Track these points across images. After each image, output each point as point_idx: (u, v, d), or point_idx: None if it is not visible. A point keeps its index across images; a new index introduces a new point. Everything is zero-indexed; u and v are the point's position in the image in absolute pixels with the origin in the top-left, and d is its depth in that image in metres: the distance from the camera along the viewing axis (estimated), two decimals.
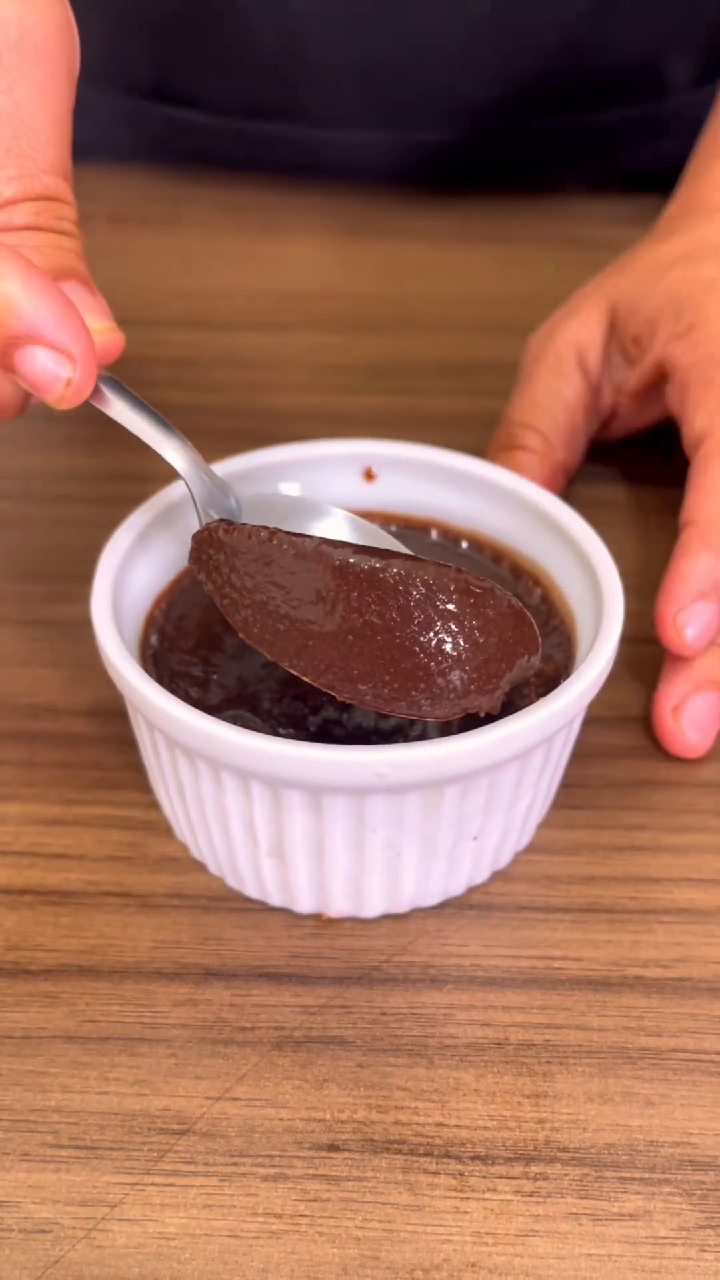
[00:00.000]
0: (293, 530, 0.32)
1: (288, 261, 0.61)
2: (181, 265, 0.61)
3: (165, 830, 0.37)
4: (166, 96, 0.63)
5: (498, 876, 0.36)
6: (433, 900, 0.35)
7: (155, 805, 0.37)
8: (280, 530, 0.32)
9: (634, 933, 0.35)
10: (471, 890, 0.35)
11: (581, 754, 0.38)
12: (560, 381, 0.45)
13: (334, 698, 0.34)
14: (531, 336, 0.47)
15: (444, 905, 0.35)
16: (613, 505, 0.48)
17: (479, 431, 0.51)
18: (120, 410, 0.33)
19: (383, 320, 0.57)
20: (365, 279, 0.60)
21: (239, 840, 0.33)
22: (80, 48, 0.66)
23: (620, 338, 0.45)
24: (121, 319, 0.57)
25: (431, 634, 0.30)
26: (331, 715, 0.34)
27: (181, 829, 0.36)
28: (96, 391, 0.32)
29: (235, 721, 0.33)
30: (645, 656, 0.42)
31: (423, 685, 0.30)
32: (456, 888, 0.35)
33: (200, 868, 0.36)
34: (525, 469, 0.44)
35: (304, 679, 0.32)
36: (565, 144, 0.63)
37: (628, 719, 0.40)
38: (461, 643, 0.30)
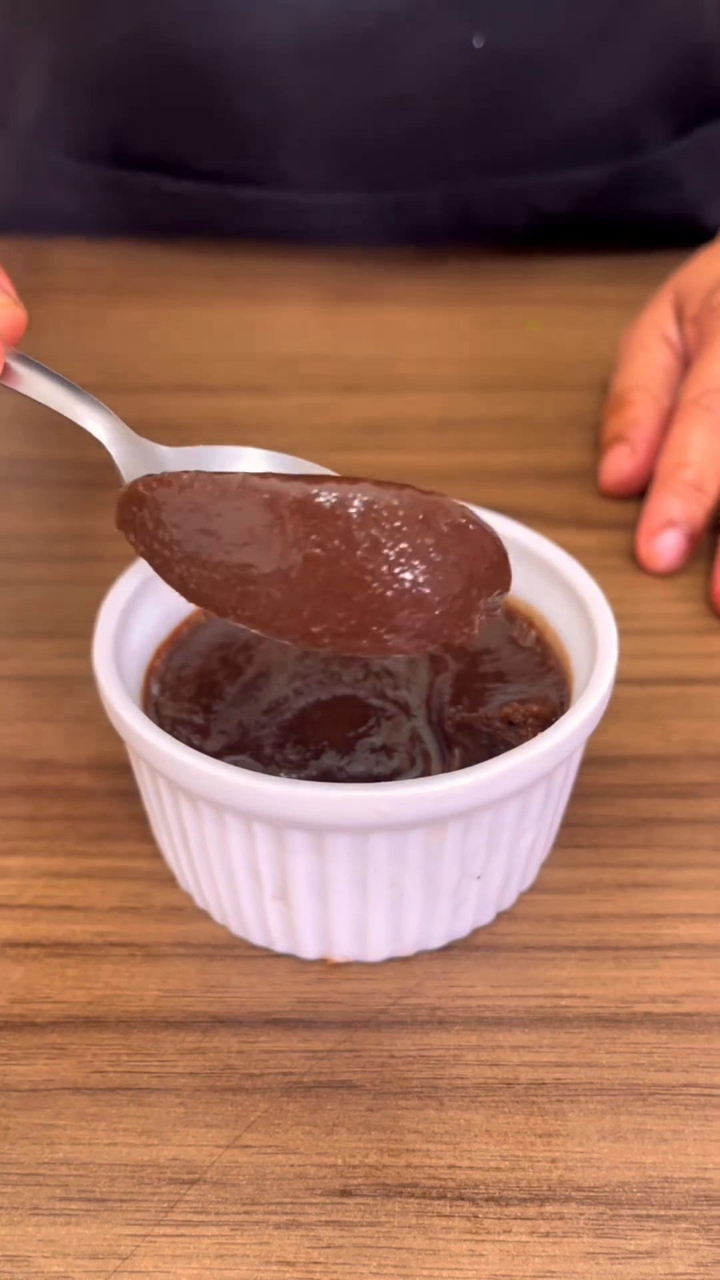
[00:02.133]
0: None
1: (277, 326, 0.62)
2: (173, 332, 0.62)
3: (169, 880, 0.37)
4: (154, 166, 0.65)
5: (502, 917, 0.36)
6: (438, 942, 0.35)
7: (159, 856, 0.37)
8: (202, 472, 0.29)
9: (640, 969, 0.35)
10: (477, 931, 0.35)
11: (582, 794, 0.39)
12: (650, 352, 0.53)
13: (334, 744, 0.35)
14: (622, 333, 0.56)
15: (449, 947, 0.35)
16: (606, 551, 0.49)
17: (469, 485, 0.52)
18: (34, 385, 0.31)
19: (371, 381, 0.58)
20: (352, 341, 0.61)
21: (243, 884, 0.33)
22: (68, 120, 0.68)
23: (684, 320, 0.53)
24: (113, 385, 0.59)
25: (380, 558, 0.28)
26: (332, 760, 0.35)
27: (185, 877, 0.36)
28: (6, 370, 0.31)
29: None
30: (641, 697, 0.43)
31: (381, 617, 0.28)
32: (461, 929, 0.35)
33: (204, 916, 0.36)
34: (641, 419, 0.51)
35: (253, 630, 0.29)
36: (542, 202, 0.65)
37: (626, 759, 0.41)
38: (417, 564, 0.28)
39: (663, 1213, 0.30)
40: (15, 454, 0.56)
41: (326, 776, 0.34)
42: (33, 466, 0.54)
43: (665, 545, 0.47)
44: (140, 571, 0.37)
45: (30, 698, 0.43)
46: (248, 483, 0.28)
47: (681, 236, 0.65)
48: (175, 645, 0.38)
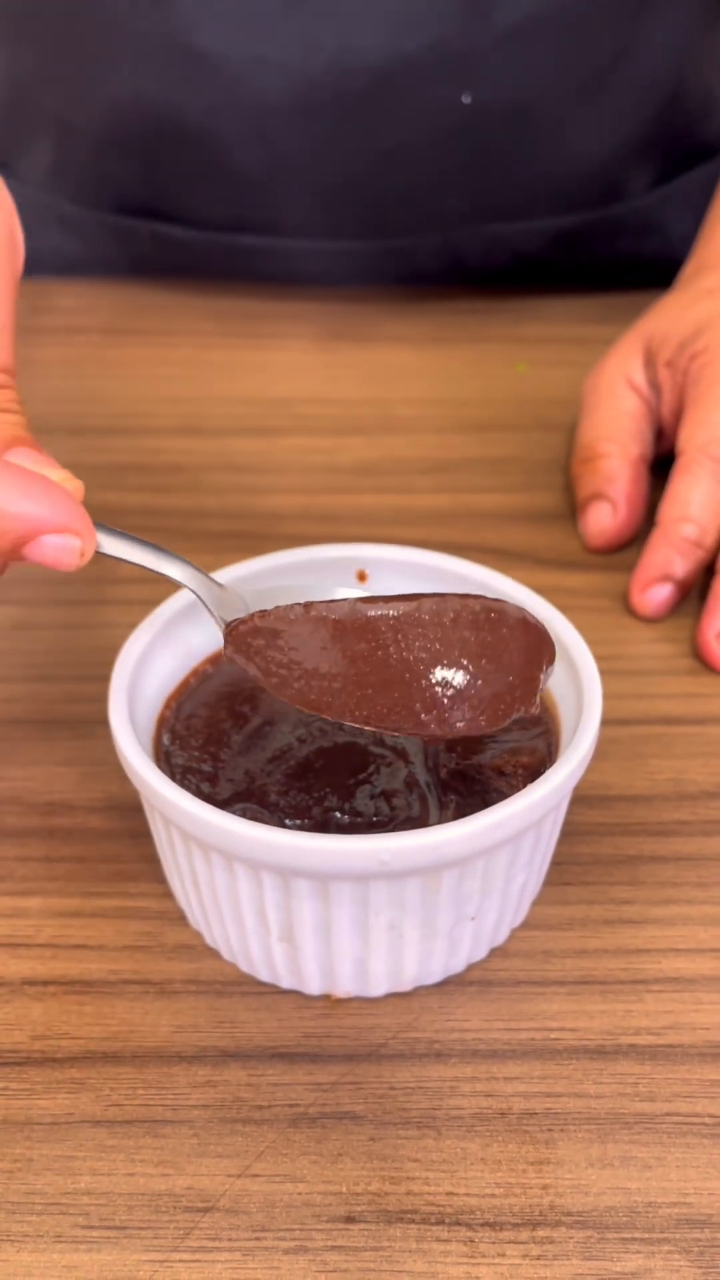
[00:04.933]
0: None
1: (274, 367, 0.64)
2: (173, 374, 0.64)
3: (179, 919, 0.39)
4: (155, 214, 0.67)
5: (496, 953, 0.38)
6: (435, 978, 0.37)
7: (169, 895, 0.39)
8: (313, 603, 0.35)
9: (626, 1002, 0.37)
10: (471, 967, 0.37)
11: (570, 833, 0.41)
12: (617, 399, 0.54)
13: (336, 790, 0.37)
14: (586, 378, 0.56)
15: (446, 982, 0.37)
16: (594, 592, 0.51)
17: (460, 526, 0.54)
18: (118, 548, 0.35)
19: (366, 422, 0.60)
20: (348, 383, 0.63)
21: (251, 926, 0.35)
22: (71, 171, 0.70)
23: (655, 365, 0.53)
24: (117, 428, 0.61)
25: (476, 658, 0.34)
26: (333, 805, 0.37)
27: (195, 918, 0.38)
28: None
29: (244, 814, 0.35)
30: (626, 737, 0.45)
31: (477, 703, 0.34)
32: (457, 965, 0.37)
33: (214, 954, 0.38)
34: (612, 471, 0.52)
35: (367, 728, 0.34)
36: (529, 246, 0.67)
37: (611, 798, 0.43)
38: (501, 657, 0.34)
39: (647, 1236, 0.32)
40: None
41: (329, 822, 0.36)
42: None
43: (658, 597, 0.49)
44: (149, 628, 0.39)
45: (43, 741, 0.45)
46: (357, 607, 0.34)
47: (667, 276, 0.68)
48: (184, 696, 0.40)
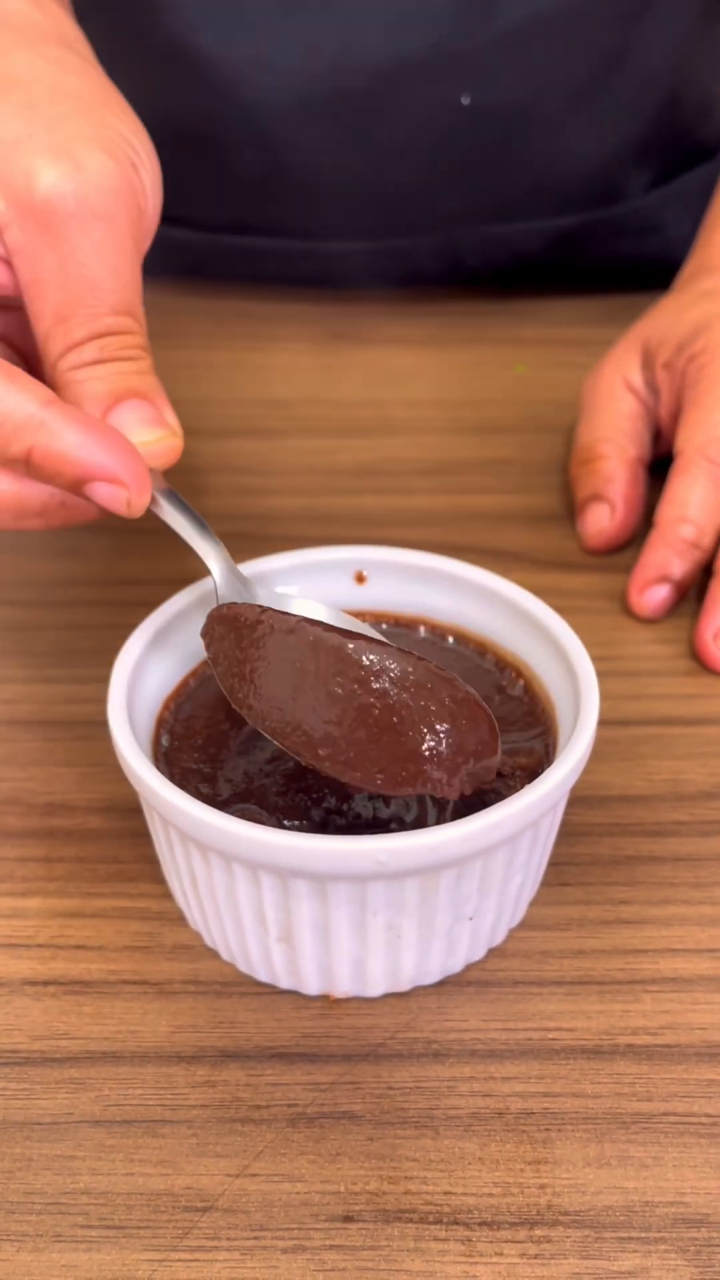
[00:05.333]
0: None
1: (275, 369, 0.64)
2: (174, 375, 0.64)
3: (179, 920, 0.39)
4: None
5: (494, 953, 0.38)
6: (433, 978, 0.37)
7: (169, 895, 0.40)
8: (269, 609, 0.35)
9: (623, 1003, 0.37)
10: (469, 967, 0.38)
11: (568, 833, 0.41)
12: (615, 401, 0.54)
13: (334, 791, 0.37)
14: (585, 380, 0.57)
15: (444, 983, 0.37)
16: (592, 593, 0.51)
17: (458, 527, 0.54)
18: (171, 517, 0.38)
19: (365, 424, 0.60)
20: (348, 384, 0.63)
21: (249, 927, 0.35)
22: None
23: (653, 367, 0.54)
24: None
25: (388, 709, 0.33)
26: (332, 806, 0.37)
27: (194, 918, 0.38)
28: (154, 500, 0.37)
29: (243, 815, 0.35)
30: (624, 738, 0.45)
31: (376, 756, 0.33)
32: (455, 966, 0.37)
33: (213, 955, 0.38)
34: (610, 472, 0.53)
35: (273, 740, 0.35)
36: (528, 247, 0.67)
37: (610, 798, 0.43)
38: (417, 723, 0.33)
39: (644, 1235, 0.32)
40: None
41: (328, 822, 0.36)
42: None
43: (656, 597, 0.49)
44: (148, 629, 0.39)
45: (43, 741, 0.45)
46: (300, 625, 0.34)
47: (666, 278, 0.68)
48: (182, 697, 0.40)
